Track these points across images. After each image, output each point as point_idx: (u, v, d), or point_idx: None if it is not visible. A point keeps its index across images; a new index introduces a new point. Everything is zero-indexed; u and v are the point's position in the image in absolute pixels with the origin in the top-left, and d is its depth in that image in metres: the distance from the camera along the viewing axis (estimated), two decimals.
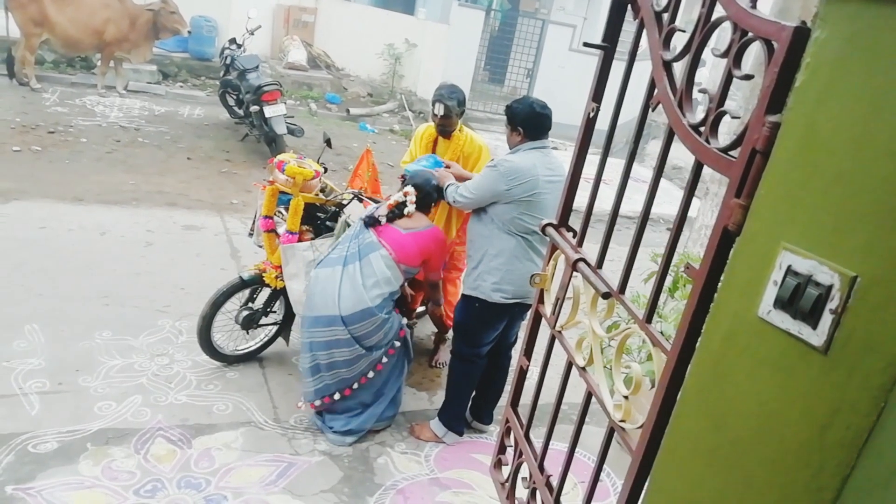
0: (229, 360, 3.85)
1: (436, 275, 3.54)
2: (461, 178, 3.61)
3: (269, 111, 7.31)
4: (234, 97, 8.30)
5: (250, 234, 4.09)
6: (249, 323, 3.82)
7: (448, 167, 3.79)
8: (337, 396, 3.35)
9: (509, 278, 3.20)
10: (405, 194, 3.39)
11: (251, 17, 8.39)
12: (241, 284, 3.72)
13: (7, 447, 2.96)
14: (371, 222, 3.35)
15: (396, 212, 3.37)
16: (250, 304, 3.83)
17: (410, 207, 3.37)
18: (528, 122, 3.16)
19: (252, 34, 8.39)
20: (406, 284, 3.52)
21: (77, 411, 3.27)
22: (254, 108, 7.42)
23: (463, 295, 3.40)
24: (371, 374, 3.36)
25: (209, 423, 3.36)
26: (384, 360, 3.37)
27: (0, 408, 3.20)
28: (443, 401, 3.62)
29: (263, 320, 3.89)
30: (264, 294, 3.86)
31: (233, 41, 8.44)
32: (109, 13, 8.46)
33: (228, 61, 8.15)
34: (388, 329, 3.33)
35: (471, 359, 3.45)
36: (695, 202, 1.54)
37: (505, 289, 3.22)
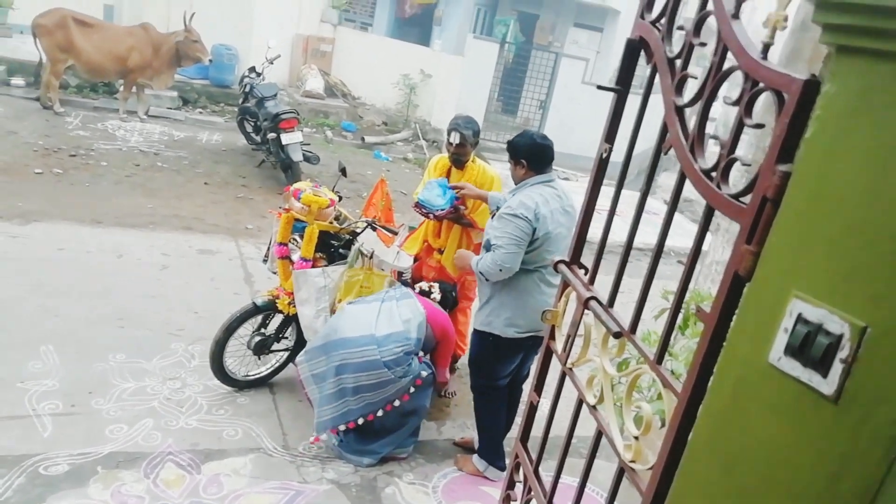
0: (240, 386, 3.87)
1: (441, 372, 3.65)
2: (476, 197, 3.68)
3: (286, 138, 7.42)
4: (252, 124, 8.43)
5: (264, 261, 4.14)
6: (261, 349, 3.85)
7: (460, 189, 3.83)
8: (361, 421, 3.37)
9: (522, 312, 3.21)
10: (431, 288, 3.77)
11: (271, 46, 8.56)
12: (255, 310, 3.75)
13: (19, 469, 2.99)
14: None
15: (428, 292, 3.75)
16: (263, 330, 3.87)
17: (436, 295, 3.74)
18: (532, 154, 3.19)
19: (271, 63, 8.55)
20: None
21: (89, 434, 3.30)
22: (271, 136, 7.54)
23: (475, 330, 3.40)
24: (397, 403, 3.38)
25: (219, 449, 3.37)
26: (412, 390, 3.38)
27: (14, 429, 3.23)
28: (477, 437, 3.61)
29: (275, 346, 3.92)
30: (277, 320, 3.89)
31: (252, 69, 8.61)
32: (134, 41, 8.66)
33: (248, 89, 8.30)
34: (415, 364, 3.41)
35: (489, 391, 3.44)
36: (707, 237, 1.55)
37: (518, 323, 3.23)
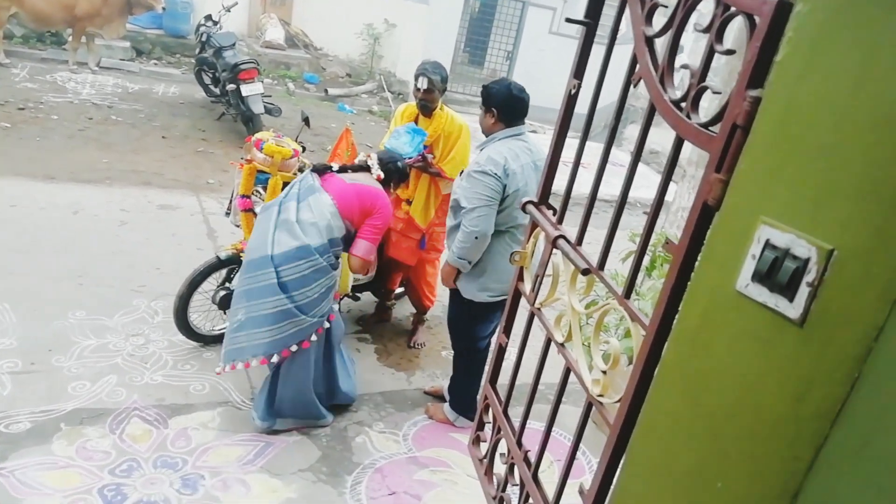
0: (206, 341, 3.82)
1: (365, 246, 3.16)
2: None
3: (245, 90, 7.20)
4: (210, 75, 8.16)
5: (227, 214, 4.04)
6: (227, 303, 3.77)
7: (429, 151, 3.76)
8: (253, 363, 3.05)
9: (494, 276, 3.16)
10: (368, 157, 3.36)
11: None
12: (219, 264, 3.68)
13: None
14: (320, 170, 3.24)
15: (355, 166, 3.32)
16: (227, 284, 3.80)
17: (376, 171, 3.33)
18: (505, 104, 3.07)
19: (228, 11, 8.25)
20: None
21: (50, 391, 3.23)
22: (230, 87, 7.31)
23: (453, 291, 3.35)
24: (294, 348, 3.06)
25: (186, 403, 3.33)
26: (313, 337, 3.10)
27: None
28: (452, 388, 3.59)
29: None
30: None
31: (209, 18, 8.29)
32: None
33: (204, 38, 8.00)
34: (323, 289, 3.05)
35: (469, 353, 3.43)
36: (672, 186, 1.54)
37: (491, 287, 3.19)
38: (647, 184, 8.39)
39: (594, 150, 3.85)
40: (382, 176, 3.34)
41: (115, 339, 3.73)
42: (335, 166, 3.26)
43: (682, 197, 4.16)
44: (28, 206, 5.02)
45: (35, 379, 3.29)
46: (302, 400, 3.24)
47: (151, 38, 10.25)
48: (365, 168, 3.35)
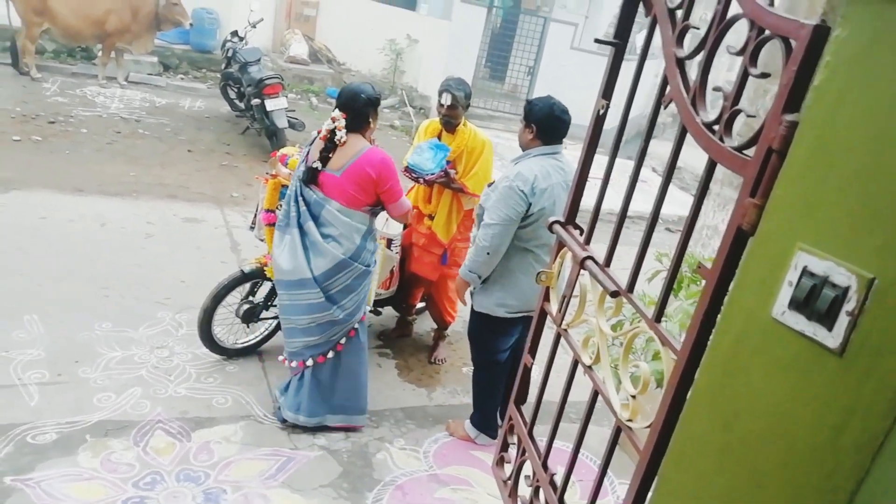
0: (229, 354, 3.84)
1: (398, 206, 3.21)
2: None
3: (270, 104, 7.28)
4: (236, 90, 8.25)
5: (251, 228, 4.07)
6: (250, 316, 3.81)
7: (452, 166, 3.77)
8: (309, 362, 3.28)
9: (513, 293, 3.15)
10: (333, 119, 3.08)
11: (253, 9, 8.34)
12: (243, 278, 3.70)
13: (6, 438, 2.95)
14: (309, 178, 3.11)
15: (329, 146, 3.09)
16: (251, 298, 3.82)
17: (341, 134, 3.06)
18: (545, 122, 3.05)
19: (254, 27, 8.35)
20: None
21: (76, 402, 3.26)
22: (255, 102, 7.39)
23: (471, 306, 3.35)
24: (331, 355, 3.28)
25: (209, 417, 3.35)
26: (343, 340, 3.28)
27: None
28: (473, 406, 3.58)
29: (264, 314, 3.87)
30: (265, 288, 3.85)
31: (235, 34, 8.40)
32: (111, 3, 8.41)
33: (230, 54, 8.11)
34: (367, 289, 3.25)
35: (488, 366, 3.41)
36: (697, 189, 1.53)
37: (509, 304, 3.18)
38: (669, 199, 8.32)
39: (618, 165, 3.85)
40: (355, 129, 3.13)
41: (140, 351, 3.76)
42: (318, 165, 3.12)
43: (707, 215, 4.12)
44: (57, 218, 5.11)
45: (62, 390, 3.33)
46: (356, 385, 3.40)
47: (178, 54, 10.42)
48: (338, 144, 3.11)
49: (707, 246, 4.00)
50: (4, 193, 5.31)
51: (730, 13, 1.37)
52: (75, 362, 3.55)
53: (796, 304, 1.12)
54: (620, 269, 1.65)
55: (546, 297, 2.03)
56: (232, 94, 8.39)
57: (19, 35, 8.23)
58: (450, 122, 3.87)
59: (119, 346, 3.76)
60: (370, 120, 3.18)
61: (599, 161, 1.81)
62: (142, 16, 8.57)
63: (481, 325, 3.30)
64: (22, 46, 8.21)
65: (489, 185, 3.26)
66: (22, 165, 5.93)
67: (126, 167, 6.45)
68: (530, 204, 2.99)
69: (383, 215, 3.87)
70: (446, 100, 3.77)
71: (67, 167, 6.14)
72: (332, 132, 3.07)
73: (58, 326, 3.80)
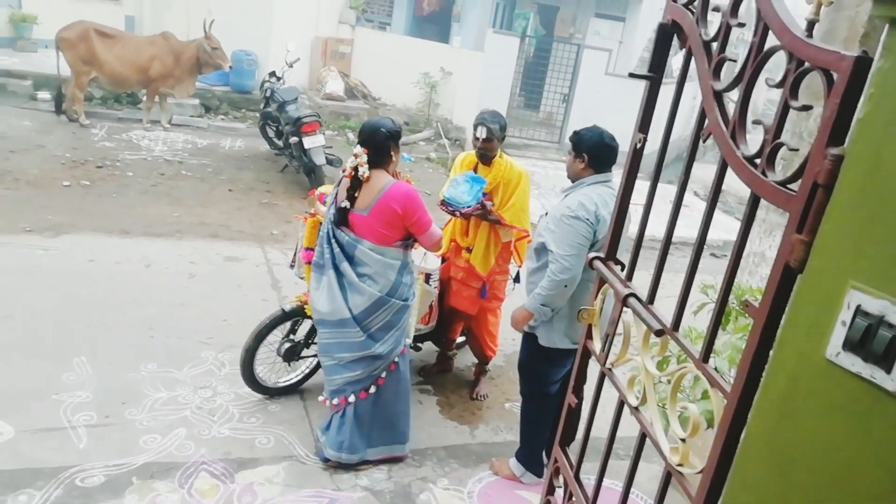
0: (271, 393, 3.86)
1: (428, 236, 3.19)
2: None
3: (307, 142, 7.42)
4: (274, 129, 8.45)
5: (291, 266, 4.12)
6: (291, 355, 3.83)
7: (489, 198, 3.76)
8: (351, 398, 3.29)
9: (579, 325, 3.09)
10: (355, 156, 3.10)
11: (290, 50, 8.56)
12: (283, 316, 3.73)
13: (56, 481, 3.00)
14: (340, 219, 3.15)
15: (355, 183, 3.11)
16: (292, 336, 3.84)
17: (363, 170, 3.07)
18: (595, 150, 3.05)
19: (291, 67, 8.56)
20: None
21: (123, 444, 3.30)
22: (293, 140, 7.55)
23: (526, 334, 3.29)
24: (373, 390, 3.29)
25: (251, 458, 3.35)
26: (383, 374, 3.29)
27: (50, 441, 3.25)
28: (519, 440, 3.51)
29: (305, 352, 3.89)
30: (306, 326, 3.87)
31: (272, 74, 8.63)
32: (155, 50, 8.75)
33: (268, 94, 8.32)
34: (405, 324, 3.27)
35: (539, 398, 3.34)
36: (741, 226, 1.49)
37: (573, 335, 3.11)
38: (712, 223, 8.17)
39: (659, 190, 3.78)
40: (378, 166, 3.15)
41: (185, 391, 3.81)
42: (346, 204, 3.15)
43: (754, 241, 4.01)
44: (105, 260, 5.26)
45: (109, 432, 3.38)
46: (396, 416, 3.41)
47: (219, 95, 10.74)
48: (362, 179, 3.13)
49: (754, 274, 3.89)
50: (55, 238, 5.49)
51: (767, 44, 1.34)
52: (122, 403, 3.61)
53: (851, 345, 1.07)
54: (665, 297, 1.60)
55: (589, 335, 1.99)
56: (271, 133, 8.59)
57: (67, 84, 8.59)
58: (485, 154, 3.88)
59: (164, 387, 3.81)
60: (392, 154, 3.20)
61: (640, 187, 1.77)
62: (184, 61, 8.88)
63: (538, 357, 3.24)
64: (71, 94, 8.57)
65: (543, 216, 3.22)
66: (72, 210, 6.14)
67: (170, 208, 6.63)
68: (595, 231, 2.96)
69: (422, 250, 3.88)
70: (482, 133, 3.78)
71: (114, 210, 6.33)
72: (356, 168, 3.10)
73: (105, 368, 3.88)
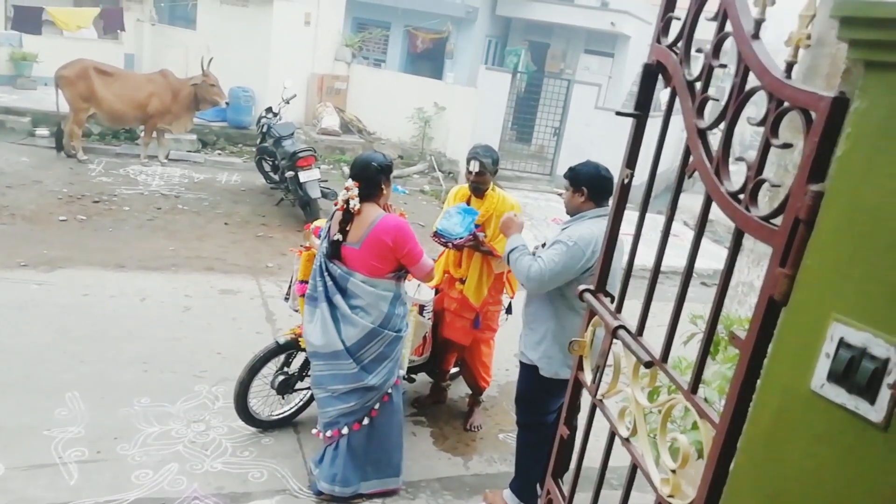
0: (265, 426, 3.84)
1: (419, 267, 3.22)
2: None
3: (303, 176, 7.50)
4: (270, 163, 8.52)
5: (286, 299, 4.13)
6: (285, 388, 3.82)
7: (481, 230, 3.80)
8: (344, 430, 3.27)
9: None
10: (346, 189, 3.14)
11: (286, 86, 8.69)
12: (277, 349, 3.74)
13: None
14: (333, 252, 3.18)
15: (347, 216, 3.15)
16: (286, 369, 3.84)
17: (354, 202, 3.11)
18: (594, 183, 3.11)
19: (287, 103, 8.68)
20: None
21: (115, 480, 3.27)
22: (289, 174, 7.61)
23: (525, 365, 3.30)
24: (366, 421, 3.28)
25: (244, 492, 3.32)
26: (377, 406, 3.28)
27: (40, 477, 3.21)
28: (514, 471, 3.49)
29: (299, 385, 3.88)
30: (300, 358, 3.87)
31: (269, 110, 8.73)
32: (153, 87, 8.85)
33: (265, 129, 8.41)
34: (399, 355, 3.28)
35: (536, 427, 3.34)
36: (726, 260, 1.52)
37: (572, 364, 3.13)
38: (702, 252, 8.21)
39: (649, 221, 3.81)
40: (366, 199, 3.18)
41: (177, 425, 3.78)
42: (338, 237, 3.19)
43: (742, 271, 4.04)
44: (99, 294, 5.25)
45: (101, 468, 3.35)
46: (389, 449, 3.39)
47: (216, 130, 10.84)
48: (353, 212, 3.17)
49: (743, 303, 3.91)
50: (51, 272, 5.49)
51: (749, 84, 1.39)
52: (114, 439, 3.58)
53: (835, 377, 1.10)
54: (657, 326, 1.62)
55: (580, 367, 2.00)
56: (267, 168, 8.66)
57: (66, 121, 8.67)
58: (478, 187, 3.93)
59: (157, 421, 3.79)
60: (383, 187, 3.23)
61: (632, 218, 1.80)
62: (181, 98, 8.99)
63: (537, 386, 3.25)
64: (69, 131, 8.64)
65: (539, 247, 3.25)
66: (67, 244, 6.15)
67: (166, 242, 6.65)
68: (587, 263, 3.00)
69: (415, 282, 3.90)
70: (474, 167, 3.84)
71: (110, 244, 6.35)
72: (347, 202, 3.14)
73: (98, 403, 3.86)
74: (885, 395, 1.02)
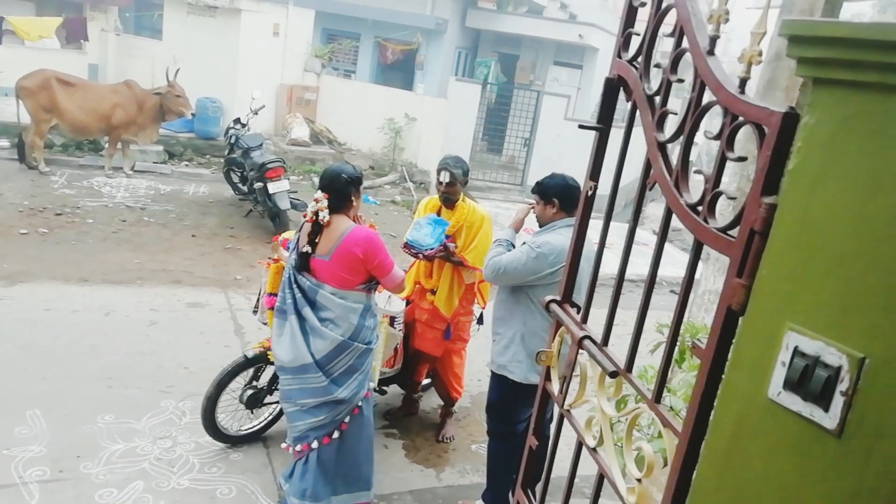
0: (233, 441, 3.79)
1: (390, 279, 3.19)
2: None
3: (272, 187, 7.45)
4: (239, 174, 8.44)
5: (254, 311, 4.09)
6: (254, 402, 3.78)
7: (452, 240, 3.81)
8: (314, 444, 3.20)
9: None
10: (316, 201, 3.11)
11: (255, 97, 8.62)
12: (246, 363, 3.69)
13: None
14: (302, 265, 3.14)
15: (316, 228, 3.12)
16: (255, 383, 3.80)
17: (324, 214, 3.08)
18: (564, 193, 3.16)
19: (256, 114, 8.61)
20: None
21: (78, 500, 3.20)
22: (258, 185, 7.56)
23: (494, 374, 3.31)
24: (336, 435, 3.21)
25: None
26: (347, 419, 3.22)
27: None
28: (486, 482, 3.48)
29: (268, 399, 3.84)
30: (269, 372, 3.83)
31: (237, 121, 8.66)
32: (117, 98, 8.72)
33: (233, 140, 8.34)
34: (369, 367, 3.26)
35: (507, 437, 3.34)
36: (698, 266, 1.54)
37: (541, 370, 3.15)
38: (670, 261, 8.35)
39: (615, 229, 3.86)
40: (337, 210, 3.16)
41: (143, 442, 3.71)
42: (307, 249, 3.15)
43: (709, 279, 4.12)
44: (62, 309, 5.14)
45: (63, 487, 3.27)
46: (360, 463, 3.32)
47: (183, 142, 10.72)
48: (322, 224, 3.14)
49: (710, 311, 3.98)
50: (10, 287, 5.36)
51: (705, 99, 1.42)
52: (77, 457, 3.50)
53: (791, 385, 1.12)
54: (626, 335, 1.64)
55: (548, 377, 2.02)
56: (235, 179, 8.58)
57: (27, 132, 8.50)
58: (449, 198, 3.95)
59: (122, 439, 3.71)
60: (353, 199, 3.21)
61: (594, 225, 1.83)
62: (147, 109, 8.87)
63: (508, 394, 3.25)
64: (31, 142, 8.47)
65: (523, 243, 3.29)
66: (28, 258, 6.01)
67: (131, 255, 6.54)
68: (551, 265, 3.05)
69: (386, 293, 3.89)
70: (444, 178, 3.86)
71: (73, 258, 6.22)
72: (317, 213, 3.12)
73: (60, 420, 3.77)
74: (838, 402, 1.05)
